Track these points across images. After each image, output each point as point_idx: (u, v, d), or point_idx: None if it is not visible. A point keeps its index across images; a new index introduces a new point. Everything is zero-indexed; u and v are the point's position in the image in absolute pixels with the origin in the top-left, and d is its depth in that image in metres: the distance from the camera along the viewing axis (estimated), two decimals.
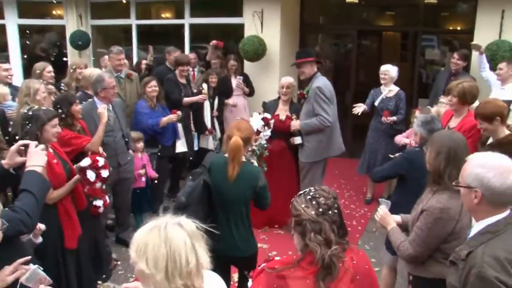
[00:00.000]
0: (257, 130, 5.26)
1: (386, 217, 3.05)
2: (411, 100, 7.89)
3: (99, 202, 4.21)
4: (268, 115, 5.42)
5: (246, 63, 7.92)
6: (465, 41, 7.77)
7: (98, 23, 9.94)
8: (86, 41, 9.56)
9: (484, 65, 6.10)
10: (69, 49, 9.88)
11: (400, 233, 2.97)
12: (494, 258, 2.00)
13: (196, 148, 6.93)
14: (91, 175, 3.99)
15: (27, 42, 10.80)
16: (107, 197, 4.42)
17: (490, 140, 3.94)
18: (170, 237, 1.70)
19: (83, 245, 3.96)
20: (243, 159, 3.44)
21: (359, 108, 6.41)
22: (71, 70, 6.35)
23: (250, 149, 5.29)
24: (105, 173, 4.10)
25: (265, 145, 5.40)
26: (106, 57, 7.25)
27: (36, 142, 2.87)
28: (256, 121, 5.30)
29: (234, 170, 3.34)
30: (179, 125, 6.36)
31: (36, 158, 2.72)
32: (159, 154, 6.09)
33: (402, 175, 3.84)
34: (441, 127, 3.79)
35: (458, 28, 8.99)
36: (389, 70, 6.40)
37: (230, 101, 7.35)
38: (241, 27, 8.21)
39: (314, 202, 2.10)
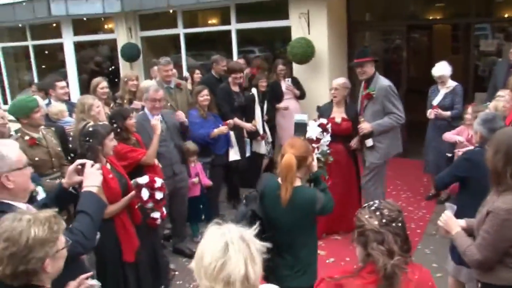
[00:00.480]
0: (317, 138, 5.13)
1: (450, 222, 2.92)
2: (467, 95, 7.58)
3: (156, 214, 4.25)
4: (324, 120, 5.22)
5: (295, 66, 7.87)
6: None
7: (147, 34, 10.16)
8: (136, 52, 9.81)
9: None
10: (121, 62, 10.17)
11: (465, 238, 2.83)
12: None
13: (248, 154, 6.92)
14: (145, 193, 3.98)
15: (83, 58, 11.22)
16: (164, 209, 4.50)
17: None
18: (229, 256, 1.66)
19: (142, 257, 4.05)
20: (298, 183, 3.15)
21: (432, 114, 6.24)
22: (123, 83, 6.53)
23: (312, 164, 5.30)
24: (159, 195, 4.06)
25: (328, 151, 5.23)
26: (155, 67, 7.40)
27: (92, 162, 2.94)
28: (313, 129, 5.16)
29: (287, 192, 3.02)
30: (232, 133, 6.39)
31: (92, 178, 2.80)
32: (212, 163, 6.14)
33: (464, 178, 3.65)
34: (503, 126, 3.56)
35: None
36: (443, 75, 6.16)
37: (282, 104, 7.30)
38: (287, 29, 8.15)
39: (378, 213, 2.09)
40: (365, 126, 5.22)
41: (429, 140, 6.45)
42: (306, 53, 7.51)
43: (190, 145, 5.76)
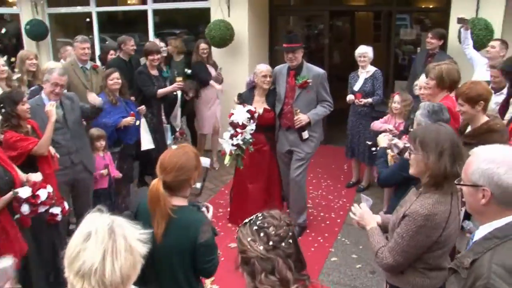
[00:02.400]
0: (243, 123, 4.91)
1: (366, 216, 2.71)
2: (387, 82, 7.60)
3: (56, 210, 3.76)
4: (252, 108, 4.99)
5: (214, 50, 7.49)
6: (440, 19, 7.53)
7: (56, 11, 9.34)
8: (43, 31, 8.98)
9: (468, 41, 5.76)
10: (26, 40, 9.28)
11: (380, 236, 2.62)
12: (503, 267, 1.69)
13: (169, 141, 6.50)
14: (25, 209, 3.37)
15: None
16: (65, 204, 4.01)
17: (469, 129, 3.59)
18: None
19: (35, 261, 3.58)
20: (180, 202, 2.48)
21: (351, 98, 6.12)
22: (20, 62, 5.89)
23: (234, 143, 4.97)
24: (42, 209, 3.46)
25: (251, 140, 5.01)
26: (69, 47, 6.77)
27: None
28: (241, 114, 4.92)
29: (158, 228, 2.39)
30: (143, 120, 5.94)
31: None
32: (121, 152, 5.67)
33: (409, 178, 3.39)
34: (449, 117, 3.40)
35: (433, 6, 8.71)
36: (367, 52, 6.10)
37: (218, 86, 6.90)
38: (207, 11, 7.76)
39: (262, 234, 1.72)
40: (303, 117, 4.91)
41: (351, 127, 6.36)
42: (225, 36, 7.16)
43: (93, 130, 5.29)
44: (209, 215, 2.61)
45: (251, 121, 4.91)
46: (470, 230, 2.80)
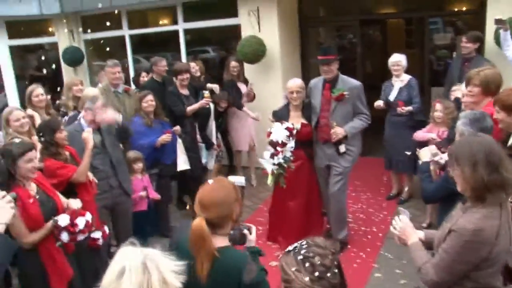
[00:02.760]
0: (282, 141, 4.82)
1: (407, 230, 2.59)
2: (423, 89, 7.42)
3: (97, 234, 3.81)
4: (290, 125, 4.90)
5: (246, 66, 7.51)
6: (474, 21, 7.32)
7: (91, 37, 9.59)
8: (80, 56, 9.25)
9: (509, 43, 5.46)
10: (64, 67, 9.57)
11: (423, 251, 2.51)
12: None
13: (204, 160, 6.52)
14: (64, 237, 3.42)
15: (22, 63, 10.52)
16: (106, 228, 4.07)
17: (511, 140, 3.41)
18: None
19: (79, 285, 3.64)
20: (222, 243, 2.30)
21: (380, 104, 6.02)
22: (67, 89, 6.07)
23: (275, 162, 4.90)
24: (81, 237, 3.50)
25: (291, 158, 4.92)
26: (102, 72, 6.93)
27: (4, 193, 2.51)
28: (279, 132, 4.84)
29: (203, 267, 2.22)
30: (179, 141, 5.99)
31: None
32: (159, 173, 5.72)
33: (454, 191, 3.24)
34: (492, 125, 3.25)
35: (467, 8, 8.48)
36: (401, 60, 5.98)
37: (252, 114, 6.89)
38: (238, 28, 7.81)
39: (307, 264, 1.69)
40: (339, 131, 4.83)
41: (388, 138, 6.23)
42: (257, 52, 7.16)
43: (130, 153, 5.38)
44: (252, 237, 2.52)
45: (290, 138, 4.83)
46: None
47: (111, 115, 4.58)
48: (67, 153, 4.14)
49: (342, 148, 4.96)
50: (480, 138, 2.40)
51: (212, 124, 6.67)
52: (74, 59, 9.21)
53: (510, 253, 2.45)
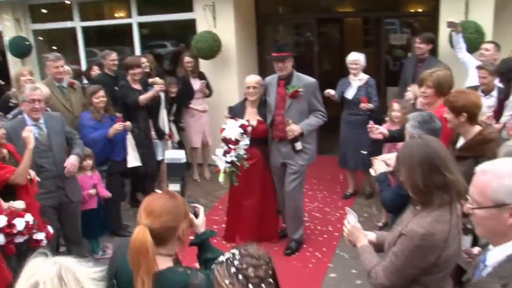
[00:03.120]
0: (236, 139, 4.73)
1: (356, 232, 2.52)
2: (379, 89, 7.48)
3: (40, 235, 3.61)
4: (245, 122, 4.82)
5: (202, 62, 7.36)
6: (429, 23, 7.44)
7: (39, 27, 9.17)
8: (27, 47, 8.80)
9: (461, 45, 5.64)
10: (11, 58, 9.10)
11: (372, 254, 2.45)
12: None
13: (160, 157, 6.33)
14: (0, 239, 3.27)
15: None
16: (49, 228, 3.85)
17: (461, 141, 3.41)
18: None
19: None
20: (165, 263, 2.01)
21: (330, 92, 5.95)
22: (16, 80, 5.70)
23: (228, 160, 4.79)
24: (19, 239, 3.35)
25: (245, 156, 4.83)
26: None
27: None
28: (233, 129, 4.73)
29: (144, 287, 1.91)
30: (129, 136, 5.78)
31: None
32: (109, 170, 5.50)
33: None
34: (441, 126, 3.25)
35: (422, 10, 8.63)
36: (360, 59, 5.95)
37: (198, 106, 6.83)
38: (193, 22, 7.62)
39: (241, 277, 1.66)
40: (295, 128, 4.75)
41: (344, 136, 6.21)
42: (212, 48, 7.03)
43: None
44: (200, 220, 2.32)
45: (244, 135, 4.74)
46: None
47: (73, 163, 4.46)
48: (4, 151, 3.85)
49: (298, 146, 4.89)
50: (421, 140, 2.37)
51: (163, 113, 6.46)
52: (20, 50, 8.74)
53: (460, 255, 2.43)
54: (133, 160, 5.75)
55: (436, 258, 2.21)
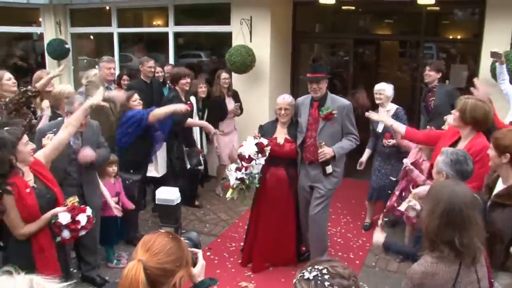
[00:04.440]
0: (249, 156, 4.59)
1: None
2: (413, 116, 7.26)
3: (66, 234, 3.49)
4: (264, 141, 4.67)
5: (234, 76, 7.32)
6: (468, 49, 7.23)
7: (78, 31, 9.33)
8: (65, 50, 8.95)
9: (504, 76, 5.35)
10: (48, 59, 9.27)
11: None
12: None
13: (189, 166, 6.32)
14: (65, 234, 3.36)
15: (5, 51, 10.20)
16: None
17: (499, 185, 3.13)
18: None
19: None
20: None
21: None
22: (34, 83, 5.65)
23: (238, 177, 4.65)
24: (82, 232, 3.46)
25: (257, 175, 4.66)
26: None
27: None
28: (249, 146, 4.60)
29: None
30: (163, 147, 5.85)
31: None
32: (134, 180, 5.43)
33: None
34: (473, 168, 3.09)
35: (463, 36, 8.40)
36: (384, 89, 5.69)
37: (226, 128, 6.82)
38: (229, 36, 7.60)
39: None
40: (327, 151, 4.61)
41: (376, 167, 5.95)
42: (246, 62, 6.97)
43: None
44: (197, 269, 2.06)
45: (260, 155, 4.59)
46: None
47: (88, 153, 4.34)
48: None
49: (329, 169, 4.74)
50: (453, 188, 2.24)
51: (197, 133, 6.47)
52: (58, 52, 8.91)
53: None
54: (152, 170, 5.76)
55: None
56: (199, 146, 6.59)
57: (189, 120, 5.80)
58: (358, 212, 6.58)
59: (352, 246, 5.65)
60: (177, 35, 8.58)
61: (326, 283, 1.57)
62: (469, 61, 8.04)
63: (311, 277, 1.60)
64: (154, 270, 1.73)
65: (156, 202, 3.33)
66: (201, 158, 6.46)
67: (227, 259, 5.33)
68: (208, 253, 5.45)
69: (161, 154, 5.96)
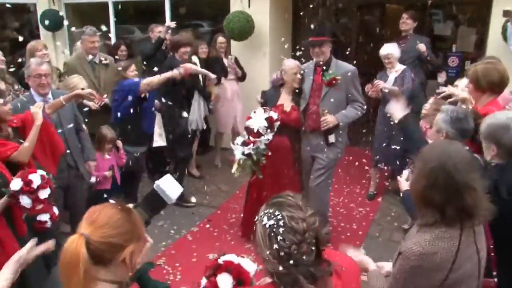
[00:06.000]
0: (258, 131, 4.37)
1: (362, 262, 2.26)
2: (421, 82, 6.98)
3: (44, 217, 3.41)
4: (274, 115, 4.44)
5: (233, 44, 7.08)
6: (477, 13, 6.93)
7: (72, 1, 9.04)
8: (59, 21, 8.67)
9: None
10: (42, 31, 9.02)
11: (379, 278, 2.20)
12: None
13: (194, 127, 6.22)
14: (26, 201, 3.18)
15: None
16: (55, 209, 3.66)
17: None
18: None
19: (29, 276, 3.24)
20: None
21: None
22: (29, 55, 5.52)
23: (245, 152, 4.44)
24: (44, 194, 3.25)
25: (264, 151, 4.45)
26: (78, 43, 6.40)
27: None
28: (258, 120, 4.36)
29: None
30: (158, 115, 5.62)
31: None
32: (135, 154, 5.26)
33: None
34: (473, 128, 2.90)
35: None
36: (392, 53, 5.49)
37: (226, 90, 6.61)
38: (227, 2, 7.32)
39: (282, 254, 1.57)
40: (330, 119, 4.40)
41: (379, 134, 5.75)
42: (244, 29, 6.72)
43: (106, 130, 4.96)
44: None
45: (269, 130, 4.37)
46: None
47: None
48: (9, 129, 3.62)
49: (332, 138, 4.54)
50: (445, 147, 2.01)
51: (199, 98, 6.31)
52: (52, 23, 8.60)
53: (477, 281, 2.05)
54: (159, 139, 5.58)
55: (441, 280, 1.90)
56: (198, 114, 6.38)
57: (188, 64, 5.48)
58: (362, 181, 6.41)
59: (355, 217, 5.51)
60: (177, 4, 8.32)
61: (279, 237, 1.57)
62: (477, 24, 7.74)
63: (267, 226, 1.59)
64: (98, 245, 1.54)
65: (154, 187, 3.04)
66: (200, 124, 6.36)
67: (227, 231, 5.21)
68: (208, 225, 5.34)
69: (159, 123, 5.75)
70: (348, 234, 5.11)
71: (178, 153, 5.79)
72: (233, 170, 4.61)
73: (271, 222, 1.59)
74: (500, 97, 3.47)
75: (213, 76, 5.40)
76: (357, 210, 5.67)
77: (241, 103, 6.78)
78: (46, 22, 8.55)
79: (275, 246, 1.57)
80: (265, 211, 1.64)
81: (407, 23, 6.10)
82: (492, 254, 2.30)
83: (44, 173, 3.31)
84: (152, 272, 1.97)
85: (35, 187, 3.18)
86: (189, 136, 6.11)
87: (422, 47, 5.73)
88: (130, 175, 5.36)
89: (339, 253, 1.94)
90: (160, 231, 5.24)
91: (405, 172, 2.84)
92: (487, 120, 2.47)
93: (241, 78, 6.78)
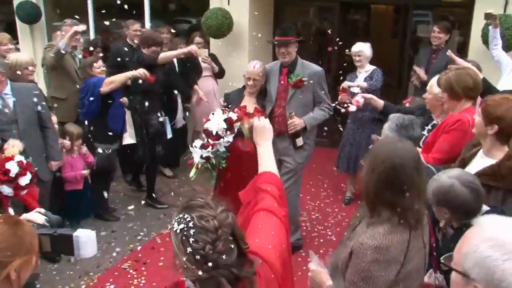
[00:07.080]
0: (217, 133, 4.11)
1: (318, 275, 2.14)
2: (401, 84, 6.92)
3: (6, 189, 3.30)
4: (234, 116, 4.13)
5: (212, 42, 6.91)
6: (463, 16, 6.84)
7: None
8: (36, 13, 8.46)
9: (497, 41, 4.94)
10: (19, 25, 8.78)
11: None
12: None
13: (169, 135, 5.97)
14: (7, 190, 3.20)
15: None
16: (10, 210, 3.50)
17: (477, 160, 2.81)
18: None
19: None
20: None
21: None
22: None
23: (203, 156, 4.24)
24: (25, 180, 3.25)
25: (224, 155, 4.17)
26: (58, 32, 6.22)
27: None
28: (217, 122, 4.08)
29: None
30: (128, 112, 5.46)
31: None
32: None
33: None
34: (421, 134, 2.91)
35: (455, 0, 7.95)
36: (363, 50, 5.40)
37: (201, 93, 6.31)
38: None
39: (198, 257, 1.46)
40: (298, 122, 4.28)
41: (348, 135, 5.64)
42: (222, 26, 6.56)
43: (72, 127, 4.83)
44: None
45: (228, 132, 4.11)
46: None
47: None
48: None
49: (300, 142, 4.40)
50: (394, 145, 1.99)
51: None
52: (29, 15, 8.41)
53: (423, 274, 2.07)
54: (128, 137, 5.47)
55: (395, 275, 1.86)
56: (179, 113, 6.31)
57: (162, 54, 5.28)
58: (339, 185, 6.28)
59: (330, 222, 5.38)
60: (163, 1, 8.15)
61: (191, 240, 1.47)
62: (460, 26, 7.66)
63: (178, 231, 1.51)
64: None
65: (73, 235, 2.79)
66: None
67: None
68: None
69: (129, 121, 5.59)
70: (322, 240, 4.99)
71: (149, 152, 5.62)
72: (192, 174, 4.36)
73: (181, 226, 1.51)
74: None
75: (194, 48, 5.43)
76: (333, 216, 5.54)
77: (218, 101, 6.57)
78: (22, 14, 8.34)
79: (189, 249, 1.48)
80: (175, 218, 1.55)
81: (439, 37, 5.72)
82: (434, 253, 2.27)
83: (22, 158, 3.28)
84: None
85: (13, 175, 3.17)
86: (165, 135, 5.92)
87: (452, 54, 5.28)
88: (102, 174, 5.24)
89: (258, 229, 1.86)
90: (129, 232, 5.11)
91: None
92: (431, 185, 2.36)
93: (219, 74, 6.61)
